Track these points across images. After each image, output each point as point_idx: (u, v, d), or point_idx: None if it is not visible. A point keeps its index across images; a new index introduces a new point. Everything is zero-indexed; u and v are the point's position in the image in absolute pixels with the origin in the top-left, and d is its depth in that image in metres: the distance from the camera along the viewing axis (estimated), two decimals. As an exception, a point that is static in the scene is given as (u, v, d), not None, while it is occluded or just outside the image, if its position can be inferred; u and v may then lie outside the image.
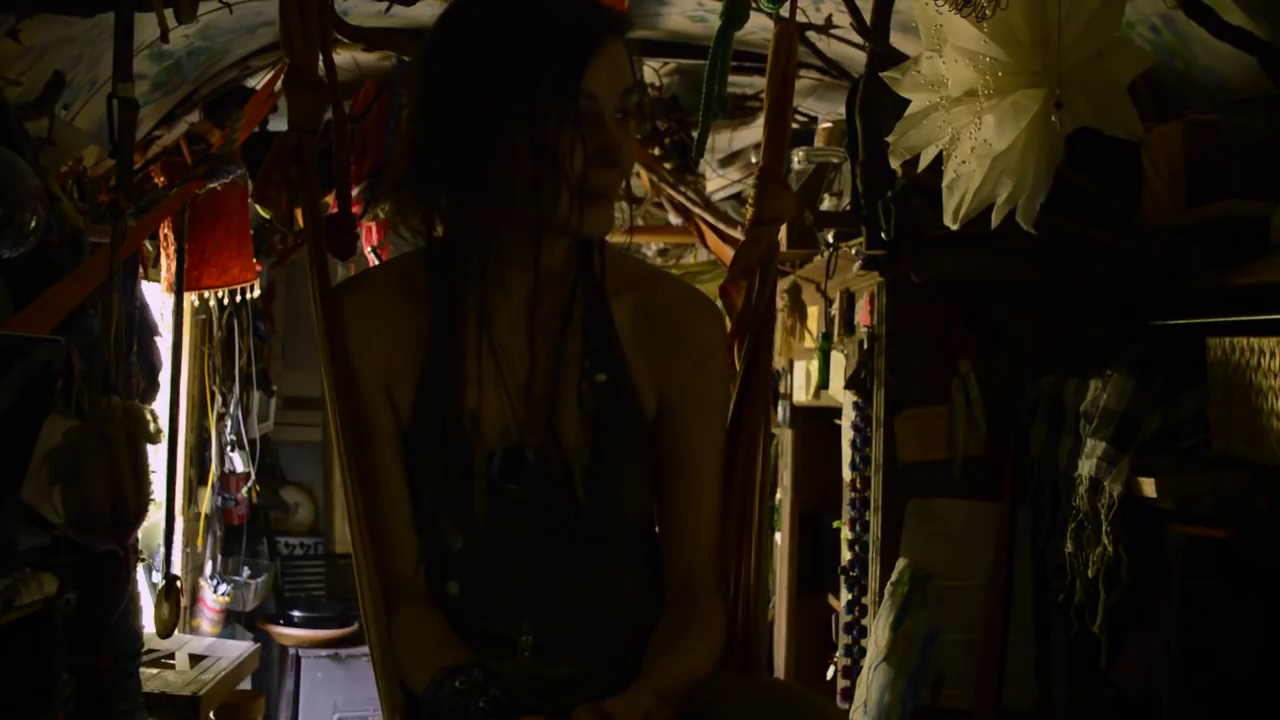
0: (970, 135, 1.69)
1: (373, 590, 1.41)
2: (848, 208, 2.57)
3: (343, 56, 3.47)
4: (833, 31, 2.81)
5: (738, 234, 1.70)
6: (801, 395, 3.39)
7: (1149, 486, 2.00)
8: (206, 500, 4.72)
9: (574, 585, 1.42)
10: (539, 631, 1.41)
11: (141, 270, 3.42)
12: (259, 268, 4.03)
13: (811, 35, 2.91)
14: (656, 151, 3.90)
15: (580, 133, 1.28)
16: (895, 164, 1.89)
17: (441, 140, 1.34)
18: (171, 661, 3.76)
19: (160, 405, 3.60)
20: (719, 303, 1.59)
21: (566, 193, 1.30)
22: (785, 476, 3.65)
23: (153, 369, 3.36)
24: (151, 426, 2.10)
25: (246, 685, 4.46)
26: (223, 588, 4.74)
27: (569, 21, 1.29)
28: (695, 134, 1.97)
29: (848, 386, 2.58)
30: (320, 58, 1.51)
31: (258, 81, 3.50)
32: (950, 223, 1.81)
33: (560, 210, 1.31)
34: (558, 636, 1.41)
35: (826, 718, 1.35)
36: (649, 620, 1.44)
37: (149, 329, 3.38)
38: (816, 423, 3.41)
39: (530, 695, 1.35)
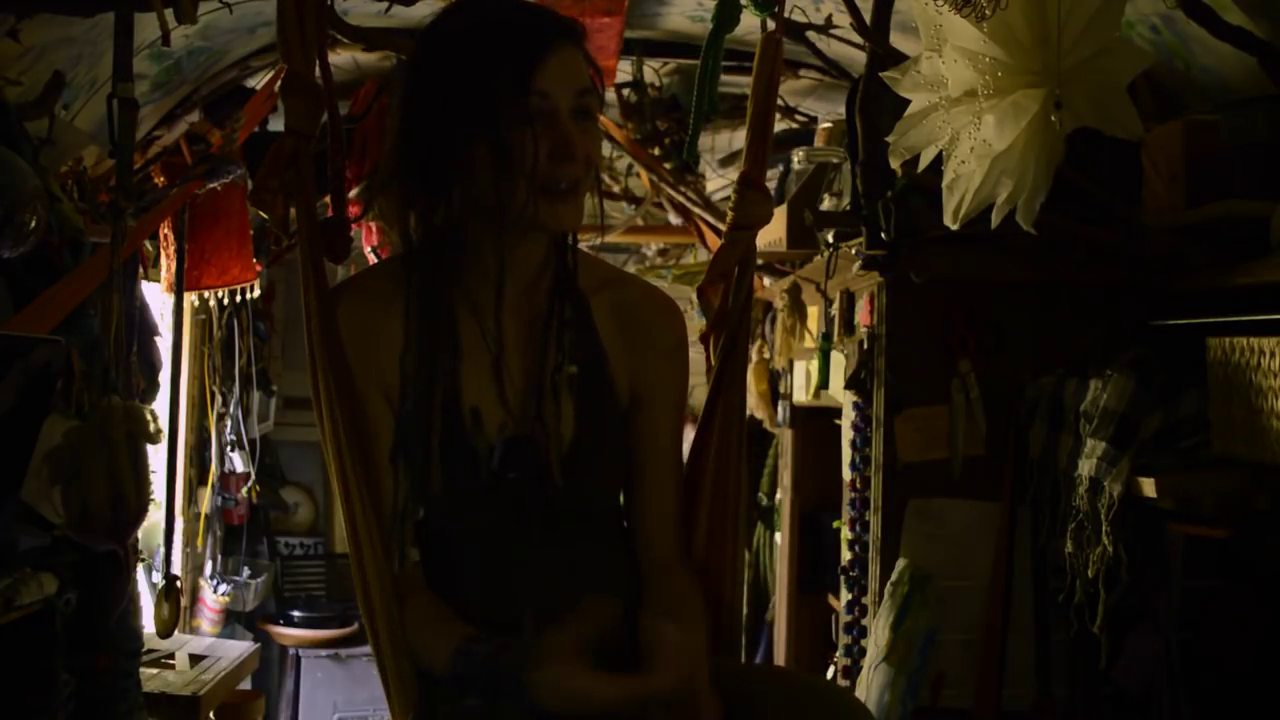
0: (970, 135, 1.69)
1: (381, 588, 1.44)
2: (848, 208, 2.57)
3: (343, 56, 3.47)
4: (833, 31, 2.81)
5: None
6: (801, 395, 3.39)
7: (1149, 486, 2.00)
8: (206, 500, 4.72)
9: (568, 568, 1.50)
10: (541, 612, 1.45)
11: (141, 270, 3.42)
12: (259, 268, 4.03)
13: (811, 35, 2.90)
14: (656, 151, 3.90)
15: (534, 130, 1.36)
16: (895, 164, 1.89)
17: (412, 148, 1.42)
18: (171, 661, 3.76)
19: (160, 405, 3.59)
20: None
21: (522, 187, 1.37)
22: (785, 476, 3.65)
23: (153, 369, 3.36)
24: (151, 426, 2.10)
25: (246, 685, 4.46)
26: (223, 588, 4.74)
27: (521, 28, 1.38)
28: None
29: (848, 386, 2.57)
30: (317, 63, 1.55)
31: (258, 81, 3.50)
32: (950, 223, 1.81)
33: (516, 203, 1.38)
34: (559, 617, 1.45)
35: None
36: (631, 597, 1.51)
37: (149, 329, 3.37)
38: (816, 423, 3.41)
39: None
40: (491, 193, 1.37)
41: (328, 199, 1.63)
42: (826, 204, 2.78)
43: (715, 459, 1.61)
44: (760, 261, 3.16)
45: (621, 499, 1.60)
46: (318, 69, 1.55)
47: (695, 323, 1.87)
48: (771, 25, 1.72)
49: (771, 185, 2.61)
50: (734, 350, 1.65)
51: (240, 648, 4.12)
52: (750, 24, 1.82)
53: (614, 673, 1.30)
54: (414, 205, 1.44)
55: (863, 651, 2.53)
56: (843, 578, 2.67)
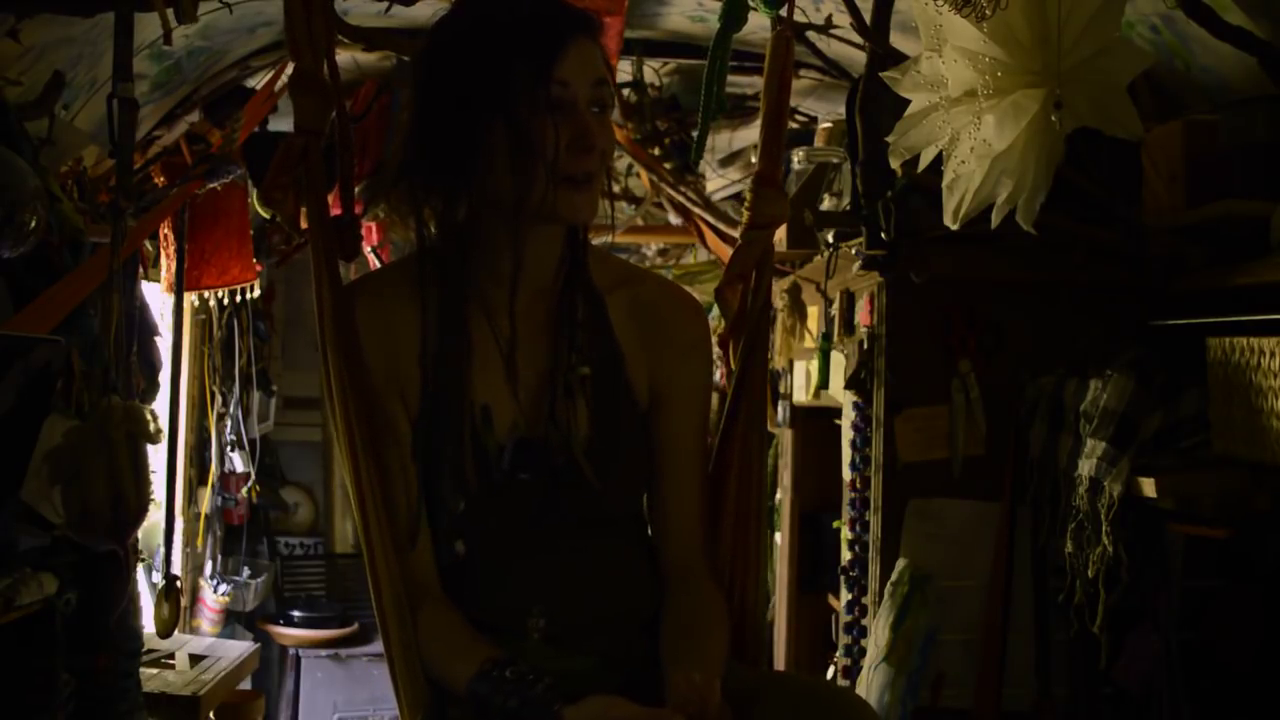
0: (970, 135, 1.69)
1: (393, 589, 1.43)
2: (848, 208, 2.57)
3: (343, 56, 3.47)
4: (833, 31, 2.81)
5: (738, 234, 1.72)
6: (801, 395, 3.39)
7: (1149, 486, 2.00)
8: (206, 500, 4.72)
9: (582, 570, 1.48)
10: (552, 617, 1.45)
11: (141, 270, 3.42)
12: (259, 268, 4.03)
13: (811, 35, 2.90)
14: (656, 151, 3.90)
15: (554, 120, 1.35)
16: (895, 164, 1.89)
17: (428, 141, 1.41)
18: (171, 661, 3.76)
19: (160, 405, 3.60)
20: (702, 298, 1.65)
21: (542, 177, 1.36)
22: (785, 476, 3.65)
23: (153, 369, 3.36)
24: (151, 426, 2.10)
25: (246, 685, 4.46)
26: (223, 588, 4.74)
27: (540, 19, 1.37)
28: (695, 134, 1.98)
29: (848, 386, 2.57)
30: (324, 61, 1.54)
31: (258, 81, 3.50)
32: (950, 223, 1.81)
33: (536, 194, 1.37)
34: (570, 622, 1.46)
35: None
36: (651, 604, 1.50)
37: (149, 329, 3.38)
38: (816, 423, 3.41)
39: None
40: (509, 184, 1.37)
41: (333, 197, 1.63)
42: (826, 204, 2.78)
43: (738, 462, 1.58)
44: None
45: (645, 501, 1.57)
46: (325, 67, 1.54)
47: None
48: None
49: (771, 185, 2.61)
50: (754, 352, 1.62)
51: (240, 648, 4.12)
52: (751, 25, 1.82)
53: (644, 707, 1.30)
54: (429, 200, 1.44)
55: (863, 651, 2.53)
56: (843, 578, 2.67)
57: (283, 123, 3.74)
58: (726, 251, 3.72)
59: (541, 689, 1.31)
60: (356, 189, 1.63)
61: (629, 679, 1.43)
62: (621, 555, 1.52)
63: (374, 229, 4.10)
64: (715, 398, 1.71)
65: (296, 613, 5.35)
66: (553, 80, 1.35)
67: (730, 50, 1.84)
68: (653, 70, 3.82)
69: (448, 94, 1.38)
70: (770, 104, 1.66)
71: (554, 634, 1.45)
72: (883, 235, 2.32)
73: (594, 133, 1.38)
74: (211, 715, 3.76)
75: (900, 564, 2.39)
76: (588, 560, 1.48)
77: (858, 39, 2.57)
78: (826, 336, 2.91)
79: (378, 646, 1.49)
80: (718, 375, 2.22)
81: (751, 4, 1.76)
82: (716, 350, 1.68)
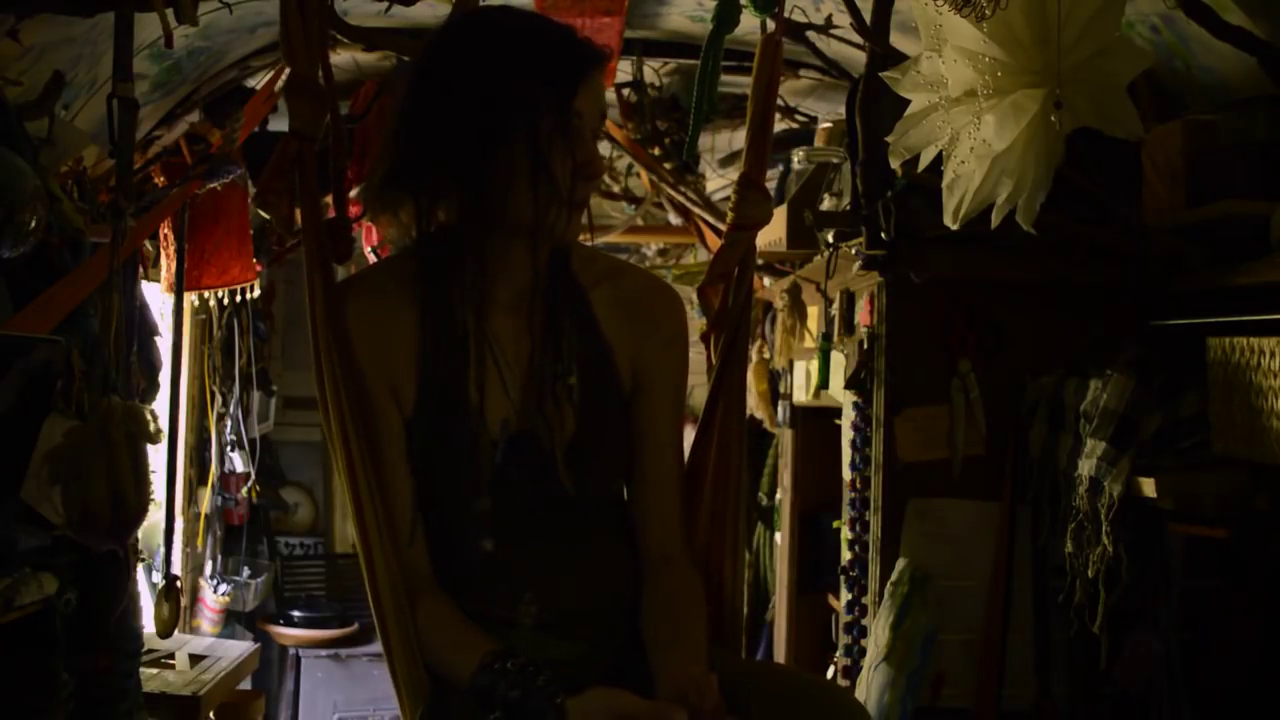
0: (970, 135, 1.69)
1: (391, 583, 1.45)
2: (848, 208, 2.57)
3: (343, 56, 3.47)
4: (833, 31, 2.81)
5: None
6: (801, 395, 3.39)
7: (1149, 486, 2.00)
8: (206, 500, 4.72)
9: (571, 558, 1.52)
10: (543, 605, 1.49)
11: (141, 270, 3.42)
12: (259, 268, 4.03)
13: (811, 35, 2.90)
14: (656, 151, 3.90)
15: (569, 147, 1.42)
16: (895, 164, 1.90)
17: (440, 146, 1.42)
18: (171, 661, 3.76)
19: (160, 405, 3.59)
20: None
21: (557, 202, 1.42)
22: (785, 476, 3.65)
23: (153, 369, 3.36)
24: (151, 426, 2.10)
25: (246, 685, 4.46)
26: (223, 588, 4.74)
27: (565, 48, 1.43)
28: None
29: (848, 386, 2.57)
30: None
31: (258, 81, 3.50)
32: (950, 223, 1.81)
33: (550, 217, 1.43)
34: (561, 610, 1.50)
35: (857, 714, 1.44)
36: (634, 590, 1.54)
37: (149, 329, 3.37)
38: (816, 423, 3.41)
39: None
40: (526, 202, 1.41)
41: (328, 199, 1.63)
42: (826, 204, 2.77)
43: (716, 456, 1.62)
44: (760, 261, 3.17)
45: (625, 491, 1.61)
46: (320, 70, 1.55)
47: (695, 322, 1.88)
48: (771, 26, 1.72)
49: (771, 185, 2.61)
50: (734, 349, 1.67)
51: (240, 648, 4.12)
52: (751, 24, 1.82)
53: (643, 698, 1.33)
54: (429, 203, 1.46)
55: (863, 651, 2.53)
56: (843, 578, 2.67)
57: (283, 123, 3.73)
58: (726, 251, 3.71)
59: (543, 680, 1.34)
60: (355, 190, 1.65)
61: (614, 664, 1.47)
62: (607, 543, 1.56)
63: (373, 228, 4.10)
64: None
65: (296, 613, 5.36)
66: (572, 112, 1.41)
67: (723, 51, 1.85)
68: (653, 70, 3.82)
69: (468, 103, 1.41)
70: (757, 107, 1.69)
71: (545, 621, 1.48)
72: (883, 235, 2.32)
73: (599, 161, 1.45)
74: (211, 715, 3.75)
75: (900, 564, 2.39)
76: (576, 548, 1.52)
77: (858, 39, 2.57)
78: (826, 336, 2.91)
79: (378, 646, 1.51)
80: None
81: (744, 5, 1.76)
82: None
